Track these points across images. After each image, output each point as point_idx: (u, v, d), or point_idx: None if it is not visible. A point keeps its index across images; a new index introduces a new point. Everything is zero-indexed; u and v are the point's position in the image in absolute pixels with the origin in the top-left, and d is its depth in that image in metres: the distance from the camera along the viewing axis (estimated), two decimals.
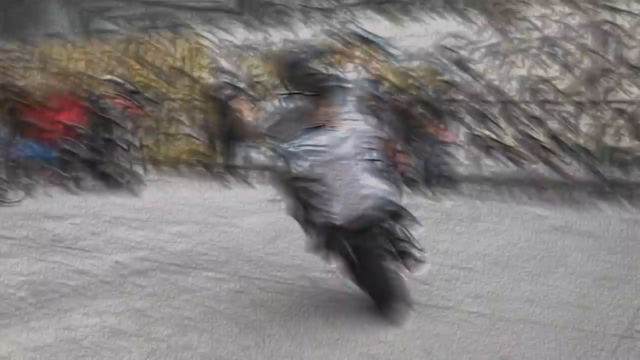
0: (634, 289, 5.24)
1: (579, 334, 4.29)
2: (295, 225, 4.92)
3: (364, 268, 4.62)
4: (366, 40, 12.24)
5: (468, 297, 5.07)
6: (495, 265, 5.98)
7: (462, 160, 11.54)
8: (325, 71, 4.61)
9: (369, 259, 4.58)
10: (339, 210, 4.54)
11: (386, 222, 4.63)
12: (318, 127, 4.53)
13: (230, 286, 5.39)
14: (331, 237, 4.64)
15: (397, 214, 4.70)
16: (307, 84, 4.53)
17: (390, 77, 11.94)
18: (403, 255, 4.68)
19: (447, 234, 7.26)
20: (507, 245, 6.71)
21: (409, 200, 9.35)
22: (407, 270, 4.70)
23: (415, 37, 11.82)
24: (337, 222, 4.56)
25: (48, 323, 4.61)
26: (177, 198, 9.91)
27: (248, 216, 8.25)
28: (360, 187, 4.54)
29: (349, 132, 4.54)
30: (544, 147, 11.00)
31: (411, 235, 4.73)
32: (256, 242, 6.88)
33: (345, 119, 4.58)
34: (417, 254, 4.70)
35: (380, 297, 4.61)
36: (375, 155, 4.71)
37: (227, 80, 12.34)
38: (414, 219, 4.77)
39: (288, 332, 4.37)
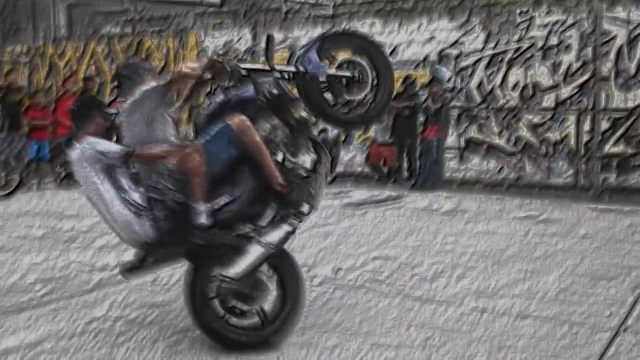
0: (626, 287, 5.54)
1: (574, 328, 4.58)
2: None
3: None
4: None
5: (469, 294, 5.37)
6: (495, 264, 6.29)
7: (460, 163, 11.87)
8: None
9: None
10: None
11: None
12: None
13: None
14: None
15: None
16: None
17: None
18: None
19: (449, 235, 7.56)
20: (506, 245, 7.02)
21: (407, 202, 9.85)
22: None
23: (417, 44, 12.11)
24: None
25: (75, 316, 4.91)
26: None
27: None
28: (112, 211, 4.16)
29: (80, 151, 4.19)
30: (539, 152, 11.33)
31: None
32: None
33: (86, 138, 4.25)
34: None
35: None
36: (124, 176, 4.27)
37: None
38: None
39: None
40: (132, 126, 4.33)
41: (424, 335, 4.47)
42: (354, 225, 8.27)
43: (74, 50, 16.38)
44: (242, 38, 14.07)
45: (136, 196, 4.19)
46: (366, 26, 12.43)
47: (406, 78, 11.87)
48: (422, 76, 12.09)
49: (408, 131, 11.67)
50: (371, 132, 12.28)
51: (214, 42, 14.47)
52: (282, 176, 4.24)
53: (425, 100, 11.68)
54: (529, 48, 11.42)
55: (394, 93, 11.69)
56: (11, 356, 4.18)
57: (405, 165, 11.92)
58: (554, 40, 11.25)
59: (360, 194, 10.66)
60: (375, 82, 4.74)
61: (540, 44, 11.36)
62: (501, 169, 11.63)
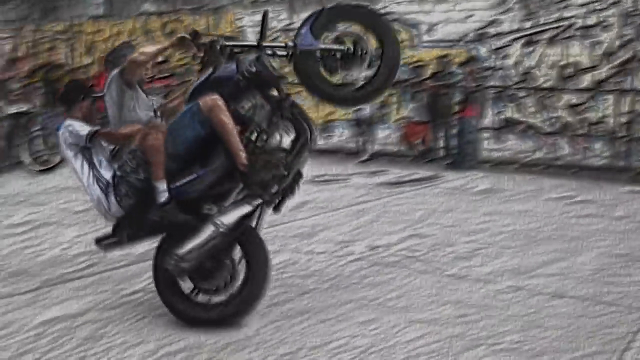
0: None
1: (607, 308, 4.60)
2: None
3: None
4: (404, 24, 12.50)
5: (504, 272, 5.41)
6: (530, 243, 6.30)
7: (497, 143, 11.81)
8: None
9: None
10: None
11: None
12: None
13: (277, 257, 5.77)
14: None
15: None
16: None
17: (421, 59, 12.23)
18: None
19: (485, 214, 7.60)
20: (542, 225, 7.02)
21: (443, 181, 9.86)
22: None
23: (454, 22, 12.05)
24: None
25: (117, 287, 5.05)
26: None
27: None
28: (87, 188, 4.48)
29: (60, 133, 4.56)
30: (577, 132, 11.24)
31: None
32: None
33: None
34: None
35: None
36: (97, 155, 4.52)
37: None
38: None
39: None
40: (108, 108, 4.56)
41: (459, 311, 4.53)
42: (390, 204, 8.31)
43: (112, 28, 16.54)
44: (279, 15, 14.08)
45: (106, 174, 4.41)
46: (403, 4, 12.40)
47: (442, 57, 11.82)
48: (459, 55, 12.04)
49: (444, 110, 11.63)
50: (407, 111, 12.28)
51: (251, 19, 14.51)
52: (253, 156, 4.22)
53: (462, 79, 11.62)
54: (568, 27, 11.30)
55: (432, 72, 11.78)
56: (57, 325, 4.32)
57: (441, 144, 11.90)
58: (593, 20, 11.12)
59: (395, 172, 10.67)
60: (379, 56, 4.48)
61: (579, 23, 11.24)
62: (538, 149, 11.57)
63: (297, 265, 5.60)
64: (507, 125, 11.83)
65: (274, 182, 4.28)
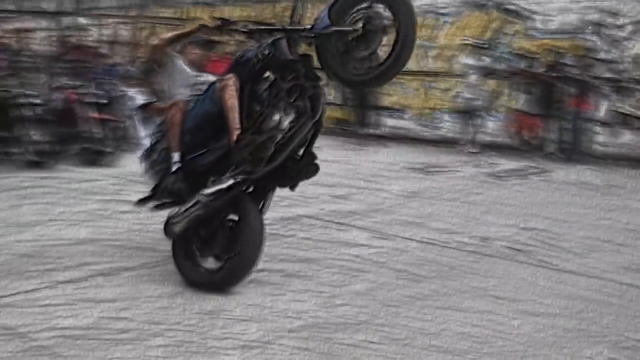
0: None
1: None
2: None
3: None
4: (513, 14, 12.31)
5: (620, 269, 5.29)
6: None
7: (605, 135, 11.49)
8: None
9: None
10: None
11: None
12: None
13: (390, 244, 5.85)
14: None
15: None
16: None
17: (535, 50, 11.99)
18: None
19: (598, 209, 7.44)
20: None
21: (554, 175, 9.66)
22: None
23: (570, 12, 11.76)
24: None
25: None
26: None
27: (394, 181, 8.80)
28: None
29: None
30: None
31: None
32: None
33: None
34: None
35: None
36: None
37: None
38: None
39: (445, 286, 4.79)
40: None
41: (574, 306, 4.47)
42: (501, 196, 8.22)
43: (229, 14, 16.85)
44: None
45: (147, 141, 5.03)
46: None
47: (557, 48, 11.56)
48: (575, 46, 11.73)
49: (557, 102, 11.38)
50: (518, 103, 12.06)
51: None
52: (245, 134, 4.41)
53: (577, 71, 11.33)
54: None
55: (545, 63, 11.52)
56: (180, 298, 4.48)
57: (553, 137, 11.64)
58: None
59: (506, 164, 10.55)
60: (395, 37, 4.25)
61: None
62: None
63: (409, 253, 5.64)
64: (623, 120, 11.44)
65: (260, 161, 4.41)
